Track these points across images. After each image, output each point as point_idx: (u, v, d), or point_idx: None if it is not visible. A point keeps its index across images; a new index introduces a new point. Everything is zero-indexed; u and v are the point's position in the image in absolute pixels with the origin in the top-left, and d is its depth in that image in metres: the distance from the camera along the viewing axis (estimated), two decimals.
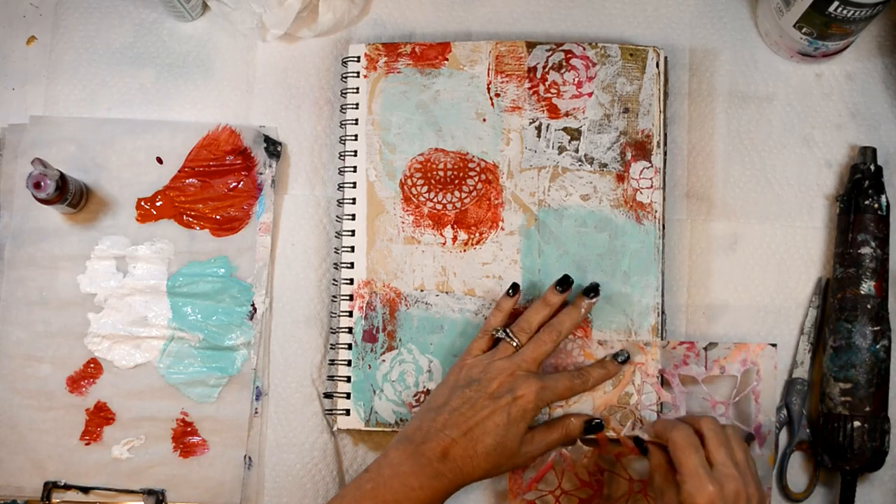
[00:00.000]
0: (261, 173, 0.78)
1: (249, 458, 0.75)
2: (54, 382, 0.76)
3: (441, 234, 0.75)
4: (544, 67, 0.76)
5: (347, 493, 0.65)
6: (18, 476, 0.74)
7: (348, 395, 0.74)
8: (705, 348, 0.73)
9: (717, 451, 0.64)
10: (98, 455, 0.75)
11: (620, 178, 0.75)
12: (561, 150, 0.75)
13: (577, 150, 0.75)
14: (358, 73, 0.77)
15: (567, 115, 0.75)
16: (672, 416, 0.72)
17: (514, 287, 0.72)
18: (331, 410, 0.75)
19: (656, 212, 0.74)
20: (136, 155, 0.79)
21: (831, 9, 0.70)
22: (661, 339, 0.73)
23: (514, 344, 0.69)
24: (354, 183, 0.77)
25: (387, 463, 0.65)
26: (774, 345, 0.73)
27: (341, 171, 0.77)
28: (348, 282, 0.76)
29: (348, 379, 0.75)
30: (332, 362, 0.76)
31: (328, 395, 0.76)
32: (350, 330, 0.75)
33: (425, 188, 0.76)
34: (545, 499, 0.73)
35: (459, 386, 0.68)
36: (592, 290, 0.71)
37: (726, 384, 0.74)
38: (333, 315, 0.76)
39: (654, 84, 0.76)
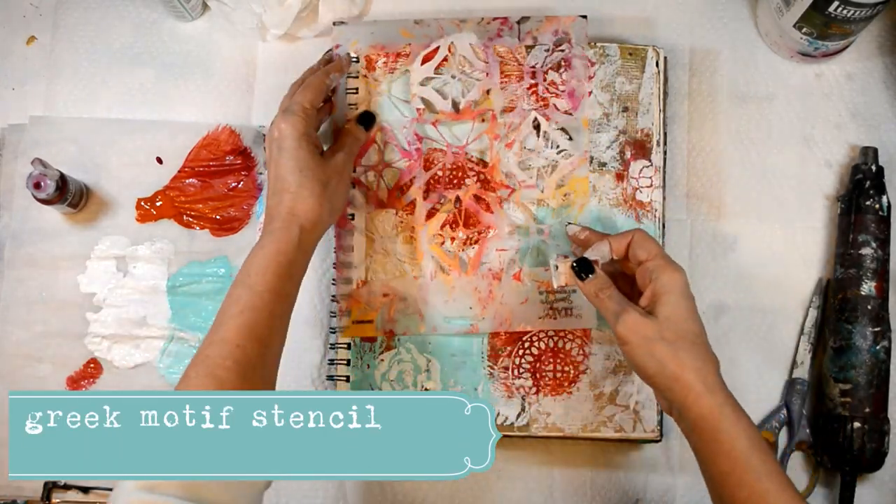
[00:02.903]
0: (261, 173, 0.78)
1: None
2: (54, 382, 0.76)
3: (440, 234, 0.75)
4: (543, 67, 0.76)
5: (223, 303, 0.64)
6: None
7: None
8: (518, 22, 0.76)
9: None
10: None
11: (620, 176, 0.75)
12: (560, 149, 0.75)
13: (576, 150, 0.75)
14: (357, 73, 0.77)
15: (566, 114, 0.75)
16: (487, 84, 0.76)
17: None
18: None
19: (656, 210, 0.74)
20: (136, 155, 0.79)
21: (831, 9, 0.70)
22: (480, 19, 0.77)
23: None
24: (354, 183, 0.77)
25: (248, 256, 0.66)
26: (585, 17, 0.76)
27: None
28: (347, 281, 0.76)
29: (347, 379, 0.75)
30: (332, 362, 0.76)
31: None
32: None
33: (424, 188, 0.76)
34: (367, 176, 0.75)
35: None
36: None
37: (539, 55, 0.76)
38: (333, 315, 0.76)
39: (653, 83, 0.76)
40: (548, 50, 0.76)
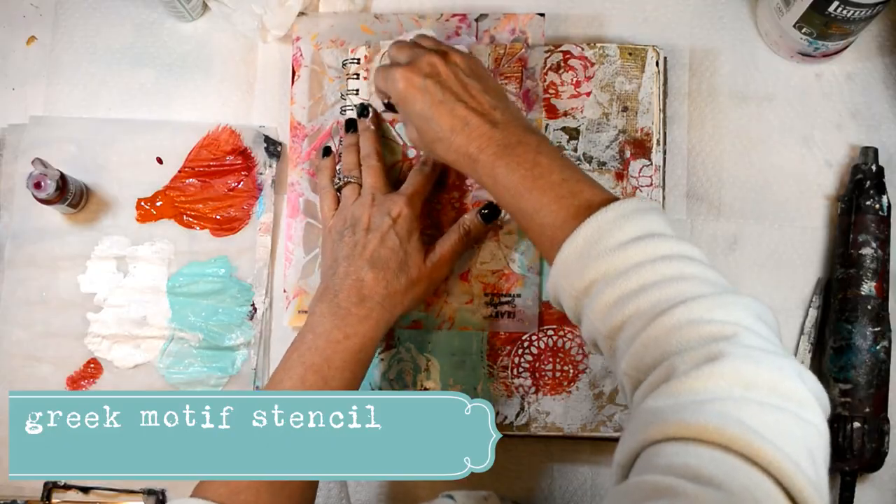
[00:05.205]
0: (261, 173, 0.78)
1: None
2: (54, 382, 0.76)
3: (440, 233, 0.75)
4: (543, 68, 0.76)
5: (276, 372, 0.64)
6: None
7: None
8: (476, 19, 0.76)
9: (401, 51, 0.67)
10: None
11: (620, 176, 0.75)
12: (560, 149, 0.75)
13: (575, 150, 0.75)
14: (358, 74, 0.77)
15: (565, 114, 0.75)
16: None
17: (327, 150, 0.75)
18: None
19: None
20: (136, 155, 0.79)
21: (831, 9, 0.70)
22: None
23: (355, 182, 0.71)
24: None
25: (307, 328, 0.64)
26: (542, 14, 0.76)
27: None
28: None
29: None
30: None
31: None
32: None
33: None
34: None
35: (335, 241, 0.68)
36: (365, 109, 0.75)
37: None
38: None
39: (653, 83, 0.75)
40: (548, 51, 0.76)
